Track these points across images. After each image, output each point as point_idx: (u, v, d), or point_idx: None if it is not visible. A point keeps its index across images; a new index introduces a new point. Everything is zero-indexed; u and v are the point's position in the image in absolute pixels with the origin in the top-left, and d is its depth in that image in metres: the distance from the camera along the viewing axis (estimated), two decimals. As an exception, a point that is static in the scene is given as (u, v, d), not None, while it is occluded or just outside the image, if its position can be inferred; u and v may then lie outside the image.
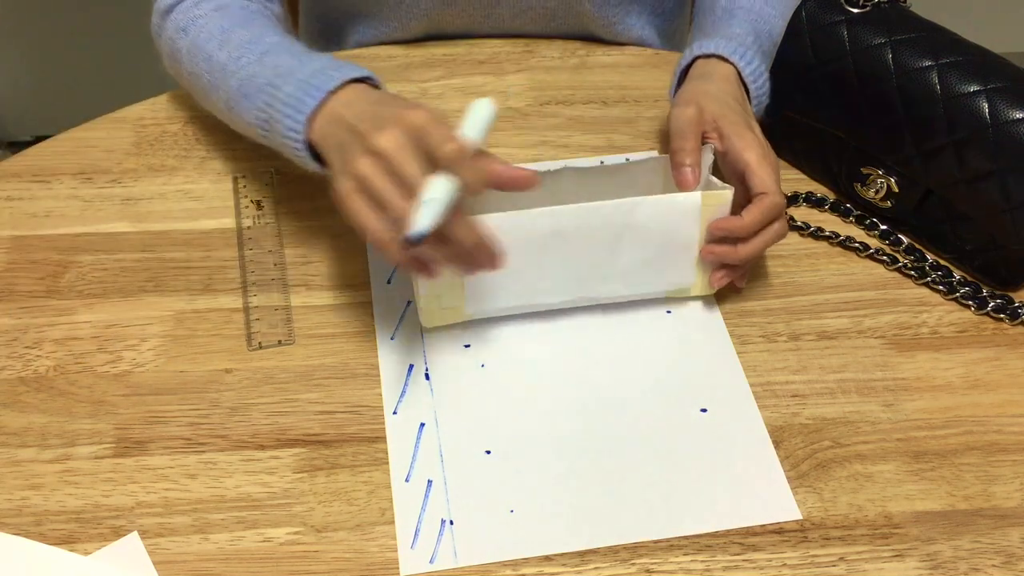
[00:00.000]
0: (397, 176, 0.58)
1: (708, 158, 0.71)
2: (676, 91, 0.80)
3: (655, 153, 0.85)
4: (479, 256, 0.60)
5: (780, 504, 0.63)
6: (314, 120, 0.66)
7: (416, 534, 0.61)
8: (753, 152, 0.69)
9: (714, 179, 0.70)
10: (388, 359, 0.70)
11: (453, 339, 0.71)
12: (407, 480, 0.64)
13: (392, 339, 0.71)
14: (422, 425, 0.66)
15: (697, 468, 0.65)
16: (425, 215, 0.56)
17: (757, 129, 0.72)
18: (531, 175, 0.59)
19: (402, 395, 0.68)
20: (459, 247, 0.59)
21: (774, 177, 0.69)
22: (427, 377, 0.69)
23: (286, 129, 0.67)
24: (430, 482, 0.63)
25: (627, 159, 0.85)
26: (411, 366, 0.70)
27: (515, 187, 0.59)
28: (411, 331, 0.72)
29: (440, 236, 0.58)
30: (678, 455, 0.65)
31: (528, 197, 0.66)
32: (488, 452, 0.65)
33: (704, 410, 0.68)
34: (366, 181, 0.59)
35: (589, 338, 0.72)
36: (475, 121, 0.60)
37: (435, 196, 0.56)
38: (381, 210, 0.59)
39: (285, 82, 0.68)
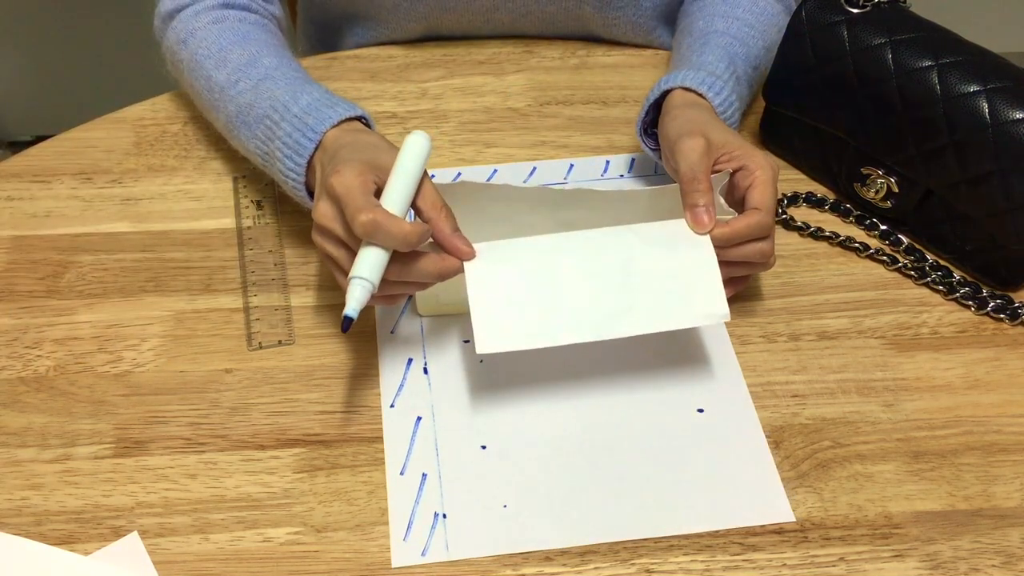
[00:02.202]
0: (338, 239, 0.63)
1: (722, 182, 0.69)
2: (643, 122, 0.79)
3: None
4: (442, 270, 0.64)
5: (774, 505, 0.63)
6: (312, 162, 0.69)
7: (409, 527, 0.61)
8: (765, 172, 0.68)
9: (722, 201, 0.68)
10: (387, 353, 0.70)
11: (452, 335, 0.72)
12: (402, 473, 0.64)
13: (392, 333, 0.72)
14: (419, 419, 0.67)
15: (692, 468, 0.65)
16: (352, 298, 0.60)
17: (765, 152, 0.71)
18: (467, 254, 0.64)
19: (400, 388, 0.68)
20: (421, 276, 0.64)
21: (773, 200, 0.68)
22: (425, 371, 0.69)
23: (287, 169, 0.70)
24: (424, 475, 0.64)
25: (630, 159, 0.85)
26: (410, 360, 0.70)
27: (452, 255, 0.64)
28: (411, 326, 0.72)
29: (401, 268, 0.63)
30: (673, 454, 0.65)
31: (531, 225, 0.67)
32: (484, 447, 0.65)
33: (701, 410, 0.68)
34: (319, 247, 0.64)
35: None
36: (410, 156, 0.63)
37: (361, 273, 0.60)
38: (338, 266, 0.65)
39: (282, 117, 0.70)
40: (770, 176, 0.68)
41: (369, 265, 0.60)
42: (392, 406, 0.67)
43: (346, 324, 0.60)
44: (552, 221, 0.68)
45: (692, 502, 0.63)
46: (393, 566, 0.59)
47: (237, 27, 0.79)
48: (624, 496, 0.63)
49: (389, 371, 0.69)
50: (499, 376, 0.69)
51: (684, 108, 0.74)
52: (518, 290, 0.64)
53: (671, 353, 0.71)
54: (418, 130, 0.64)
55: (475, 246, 0.64)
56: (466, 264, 0.64)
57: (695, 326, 0.68)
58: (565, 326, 0.64)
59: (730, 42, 0.81)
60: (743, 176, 0.69)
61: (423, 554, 0.60)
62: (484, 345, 0.62)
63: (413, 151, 0.63)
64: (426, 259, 0.63)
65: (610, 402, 0.68)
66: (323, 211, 0.63)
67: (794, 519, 0.63)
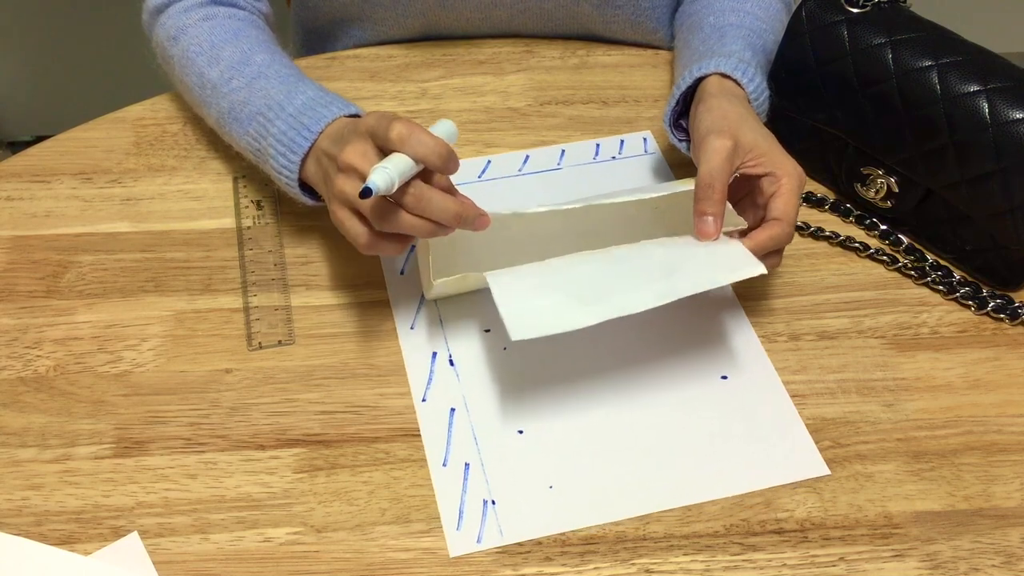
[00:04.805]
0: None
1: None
2: (673, 112, 0.78)
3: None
4: (452, 220, 0.62)
5: (806, 462, 0.65)
6: (305, 160, 0.70)
7: (460, 516, 0.62)
8: (792, 181, 0.67)
9: (730, 207, 0.68)
10: (411, 348, 0.71)
11: (472, 325, 0.72)
12: (444, 464, 0.64)
13: (412, 328, 0.72)
14: (452, 410, 0.67)
15: (725, 433, 0.66)
16: (376, 174, 0.59)
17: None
18: (482, 220, 0.64)
19: (429, 382, 0.69)
20: (427, 213, 0.62)
21: (796, 210, 0.68)
22: (451, 363, 0.70)
23: (280, 167, 0.71)
24: (467, 465, 0.64)
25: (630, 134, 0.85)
26: (434, 353, 0.70)
27: (472, 223, 0.63)
28: (430, 319, 0.73)
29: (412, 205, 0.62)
30: (704, 421, 0.67)
31: (552, 244, 0.67)
32: (520, 432, 0.66)
33: (725, 377, 0.69)
34: (344, 195, 0.63)
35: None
36: (438, 133, 0.64)
37: (386, 165, 0.60)
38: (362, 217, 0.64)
39: (276, 116, 0.71)
40: (796, 185, 0.68)
41: (395, 162, 0.60)
42: (424, 400, 0.68)
43: (365, 192, 0.58)
44: (568, 239, 0.68)
45: (727, 465, 0.65)
46: (451, 556, 0.60)
47: (227, 24, 0.80)
48: (663, 466, 0.65)
49: (416, 366, 0.70)
50: (525, 361, 0.70)
51: (720, 97, 0.73)
52: (540, 278, 0.65)
53: (690, 326, 0.72)
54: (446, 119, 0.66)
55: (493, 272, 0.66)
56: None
57: (732, 282, 0.67)
58: (596, 304, 0.63)
59: (747, 34, 0.81)
60: (769, 183, 0.68)
61: (478, 541, 0.61)
62: (517, 331, 0.61)
63: (440, 132, 0.64)
64: (445, 195, 0.62)
65: (635, 376, 0.69)
66: (354, 148, 0.62)
67: (829, 472, 0.64)
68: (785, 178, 0.67)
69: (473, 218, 0.63)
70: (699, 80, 0.76)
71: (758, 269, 0.65)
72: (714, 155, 0.67)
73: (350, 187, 0.63)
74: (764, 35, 0.82)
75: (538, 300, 0.64)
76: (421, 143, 0.60)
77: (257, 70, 0.76)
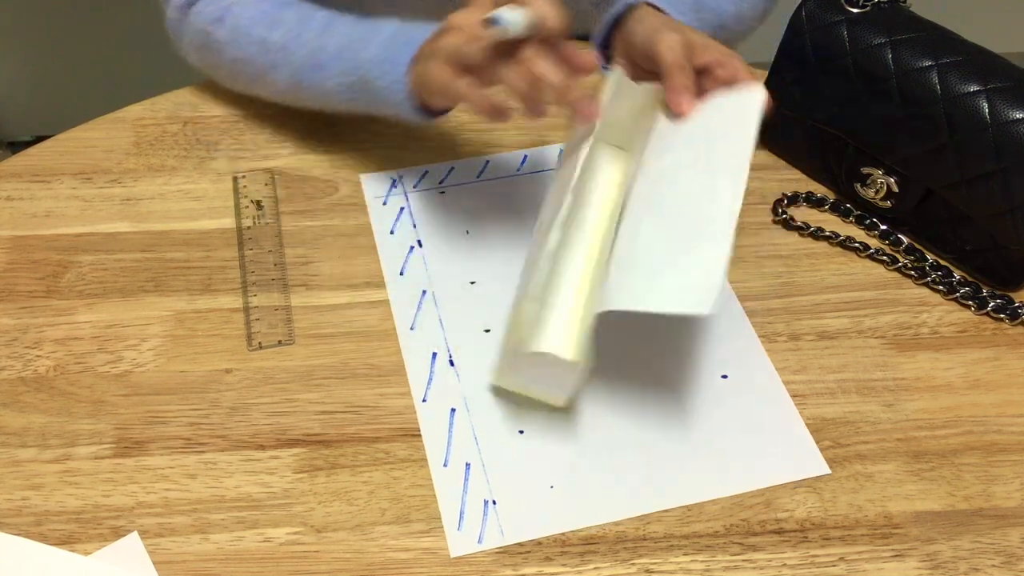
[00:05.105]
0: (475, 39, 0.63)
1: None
2: (604, 37, 0.81)
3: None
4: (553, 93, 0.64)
5: (807, 461, 0.65)
6: (409, 73, 0.70)
7: (461, 516, 0.62)
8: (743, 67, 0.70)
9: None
10: (411, 348, 0.71)
11: (472, 325, 0.72)
12: (445, 465, 0.64)
13: (412, 328, 0.72)
14: (453, 410, 0.67)
15: (725, 431, 0.66)
16: (503, 10, 0.60)
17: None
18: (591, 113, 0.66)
19: (429, 382, 0.69)
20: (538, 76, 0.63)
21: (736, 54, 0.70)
22: (451, 363, 0.70)
23: (383, 87, 0.71)
24: (468, 465, 0.64)
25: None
26: (434, 354, 0.70)
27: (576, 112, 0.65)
28: (430, 320, 0.73)
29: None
30: (705, 420, 0.67)
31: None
32: (521, 432, 0.66)
33: (725, 376, 0.69)
34: (448, 47, 0.65)
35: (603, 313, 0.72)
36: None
37: (513, 6, 0.61)
38: (462, 67, 0.64)
39: (364, 46, 0.72)
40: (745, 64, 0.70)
41: (520, 7, 0.61)
42: (424, 400, 0.68)
43: (492, 20, 0.60)
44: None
45: (727, 465, 0.65)
46: (451, 556, 0.60)
47: None
48: (663, 465, 0.65)
49: (416, 367, 0.70)
50: None
51: (655, 17, 0.76)
52: (633, 268, 0.63)
53: (690, 326, 0.72)
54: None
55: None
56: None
57: (759, 119, 0.65)
58: (702, 238, 0.61)
59: None
60: (721, 69, 0.69)
61: (479, 541, 0.61)
62: (701, 306, 0.57)
63: None
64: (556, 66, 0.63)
65: (635, 376, 0.69)
66: (466, 13, 0.63)
67: (829, 471, 0.64)
68: (730, 57, 0.69)
69: (576, 99, 0.64)
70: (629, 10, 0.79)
71: (759, 90, 0.66)
72: (675, 42, 0.70)
73: (455, 39, 0.64)
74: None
75: (659, 279, 0.60)
76: (551, 4, 0.61)
77: (324, 23, 0.76)
